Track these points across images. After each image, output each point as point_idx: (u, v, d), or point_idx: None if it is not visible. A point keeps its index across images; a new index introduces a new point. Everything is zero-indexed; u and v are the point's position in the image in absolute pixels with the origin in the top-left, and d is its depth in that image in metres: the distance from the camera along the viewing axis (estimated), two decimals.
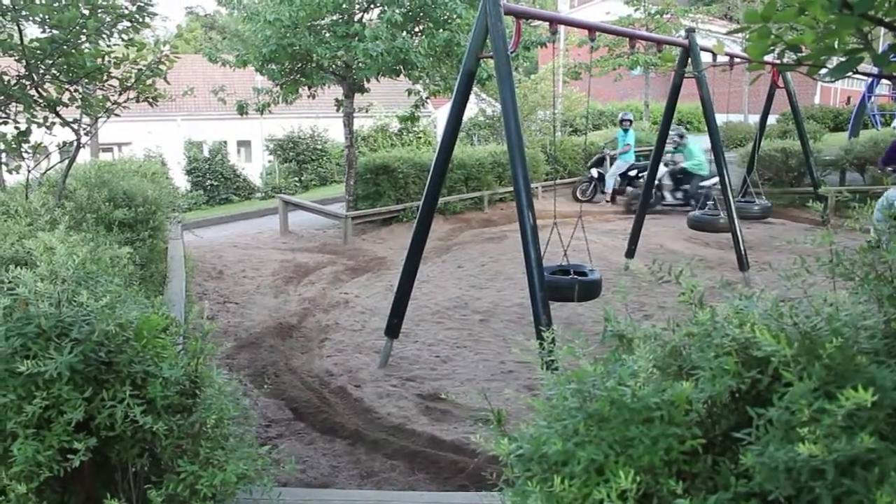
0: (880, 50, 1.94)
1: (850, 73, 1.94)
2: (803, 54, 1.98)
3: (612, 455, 1.60)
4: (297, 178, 25.05)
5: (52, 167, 6.19)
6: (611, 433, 1.62)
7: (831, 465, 1.41)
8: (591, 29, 7.13)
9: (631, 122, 16.34)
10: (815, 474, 1.44)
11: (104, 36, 5.39)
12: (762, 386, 1.72)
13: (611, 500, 1.50)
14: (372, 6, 11.97)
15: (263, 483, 2.55)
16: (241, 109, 12.78)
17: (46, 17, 5.05)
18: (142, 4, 5.27)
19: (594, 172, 16.38)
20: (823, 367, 1.61)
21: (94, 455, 2.33)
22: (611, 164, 16.39)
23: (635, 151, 16.35)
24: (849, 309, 1.88)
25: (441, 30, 11.49)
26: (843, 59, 1.90)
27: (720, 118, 10.63)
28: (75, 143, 5.58)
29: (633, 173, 15.89)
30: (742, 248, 8.95)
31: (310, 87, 12.63)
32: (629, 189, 15.75)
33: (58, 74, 5.40)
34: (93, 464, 2.43)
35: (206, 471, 2.40)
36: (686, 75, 8.92)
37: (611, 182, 16.04)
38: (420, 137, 22.30)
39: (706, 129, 9.27)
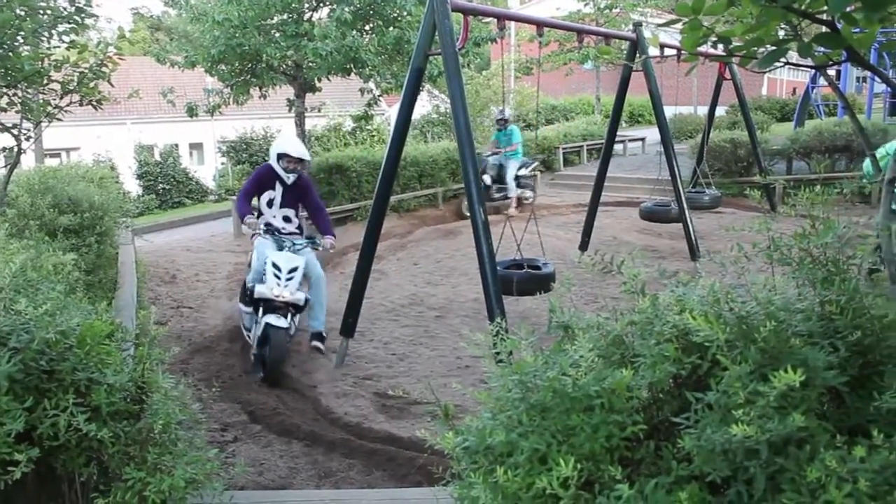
0: None
1: (780, 64, 1.99)
2: (734, 45, 2.02)
3: (555, 444, 1.61)
4: None
5: None
6: (553, 422, 1.64)
7: (765, 444, 1.44)
8: (539, 24, 7.19)
9: (507, 120, 14.65)
10: (750, 454, 1.47)
11: (43, 38, 5.28)
12: (702, 371, 1.75)
13: (553, 489, 1.52)
14: (321, 5, 11.90)
15: (213, 487, 2.53)
16: (192, 111, 12.61)
17: None
18: (80, 5, 5.17)
19: (486, 179, 14.20)
20: (758, 351, 1.65)
21: (37, 466, 2.29)
22: (496, 170, 14.41)
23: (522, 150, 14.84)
24: (784, 292, 1.93)
25: (391, 28, 11.47)
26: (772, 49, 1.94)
27: (669, 110, 10.79)
28: (16, 149, 5.46)
29: (522, 172, 14.52)
30: (693, 237, 9.09)
31: (261, 88, 12.51)
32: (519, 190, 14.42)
33: None
34: (36, 475, 2.38)
35: (154, 477, 2.37)
36: (635, 69, 9.03)
37: (514, 186, 14.37)
38: (374, 136, 22.23)
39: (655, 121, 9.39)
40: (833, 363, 1.63)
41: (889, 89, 19.69)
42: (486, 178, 14.19)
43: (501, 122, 14.64)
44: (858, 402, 1.68)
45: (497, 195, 14.31)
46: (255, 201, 7.06)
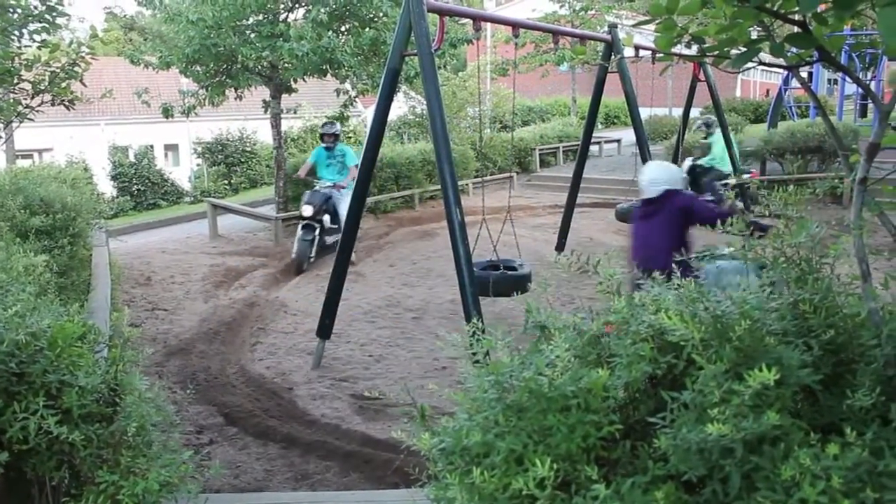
0: None
1: (753, 64, 2.00)
2: (708, 45, 2.03)
3: (531, 444, 1.61)
4: (226, 181, 24.60)
5: None
6: (529, 423, 1.63)
7: (740, 443, 1.45)
8: (515, 25, 7.20)
9: (337, 136, 10.89)
10: (725, 453, 1.48)
11: (14, 36, 5.21)
12: (678, 371, 1.76)
13: (529, 489, 1.51)
14: (297, 6, 11.83)
15: (188, 490, 2.50)
16: (167, 112, 12.49)
17: None
18: (51, 4, 5.10)
19: (307, 210, 10.35)
20: (733, 350, 1.65)
21: (6, 470, 2.25)
22: (322, 202, 10.39)
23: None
24: (758, 292, 1.94)
25: (367, 28, 11.43)
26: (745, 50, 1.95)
27: (644, 112, 10.85)
28: None
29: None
30: None
31: (236, 89, 12.42)
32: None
33: None
34: (6, 479, 2.34)
35: (128, 480, 2.33)
36: (610, 70, 9.07)
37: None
38: (350, 137, 22.18)
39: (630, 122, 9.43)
40: (807, 362, 1.64)
41: (859, 92, 19.97)
42: (307, 210, 10.32)
43: (329, 137, 10.73)
44: (831, 401, 1.69)
45: (329, 239, 10.41)
46: None
